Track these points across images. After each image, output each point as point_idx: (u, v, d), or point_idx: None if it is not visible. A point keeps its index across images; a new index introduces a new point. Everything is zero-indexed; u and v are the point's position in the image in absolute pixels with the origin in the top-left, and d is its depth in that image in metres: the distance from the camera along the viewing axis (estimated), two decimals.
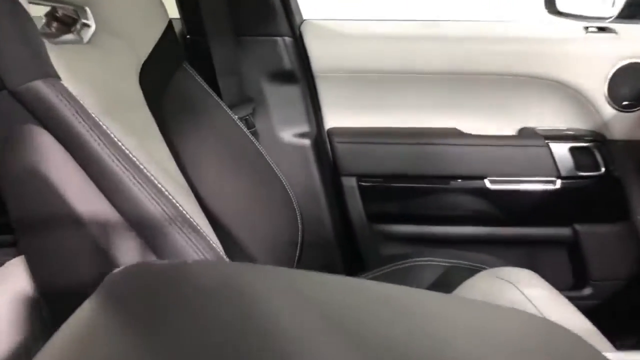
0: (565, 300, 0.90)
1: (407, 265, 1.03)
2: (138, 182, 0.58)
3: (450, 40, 1.16)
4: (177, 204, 0.60)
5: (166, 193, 0.60)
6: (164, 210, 0.58)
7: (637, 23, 1.20)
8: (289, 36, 1.14)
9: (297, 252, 0.97)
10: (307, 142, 1.18)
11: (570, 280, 1.23)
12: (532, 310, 0.84)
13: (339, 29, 1.19)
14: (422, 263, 1.02)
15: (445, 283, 0.97)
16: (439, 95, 1.19)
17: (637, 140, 1.15)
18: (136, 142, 0.64)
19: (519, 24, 1.20)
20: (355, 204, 1.19)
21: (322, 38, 1.17)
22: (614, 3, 1.20)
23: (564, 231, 1.20)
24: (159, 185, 0.60)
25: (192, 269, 0.42)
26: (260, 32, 1.14)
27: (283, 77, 1.16)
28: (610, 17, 1.19)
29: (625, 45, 1.13)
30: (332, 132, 1.19)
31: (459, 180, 1.19)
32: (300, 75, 1.16)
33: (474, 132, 1.19)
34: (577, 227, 1.19)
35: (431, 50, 1.15)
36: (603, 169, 1.15)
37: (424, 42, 1.16)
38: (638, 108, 1.13)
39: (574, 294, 1.19)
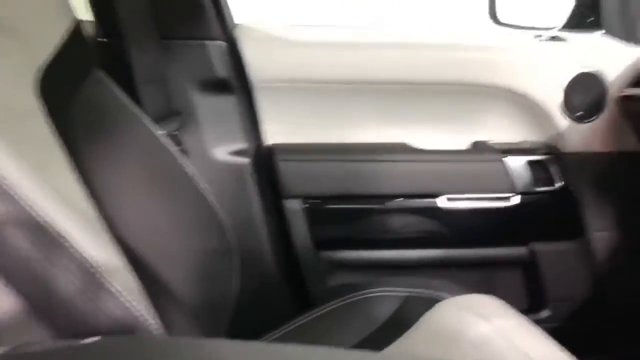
0: (537, 330, 0.82)
1: (359, 298, 0.92)
2: (13, 215, 0.43)
3: (399, 47, 1.07)
4: (76, 246, 0.45)
5: (57, 229, 0.45)
6: (54, 256, 0.43)
7: (583, 32, 1.17)
8: (222, 40, 1.01)
9: (233, 291, 0.84)
10: (244, 161, 1.05)
11: (528, 302, 1.16)
12: (506, 345, 0.75)
13: (278, 34, 1.07)
14: (376, 295, 0.92)
15: (404, 317, 0.87)
16: (389, 107, 1.10)
17: (592, 152, 1.10)
18: (23, 163, 0.49)
19: (471, 31, 1.14)
20: (300, 230, 1.07)
21: (260, 44, 1.04)
22: (557, 13, 1.17)
23: (520, 250, 1.13)
24: (48, 221, 0.45)
25: (90, 353, 0.28)
26: (188, 35, 1.00)
27: (216, 86, 1.02)
28: (554, 28, 1.15)
29: (578, 54, 1.08)
30: (274, 149, 1.06)
31: (412, 199, 1.09)
32: (236, 84, 1.03)
33: (425, 147, 1.11)
34: (534, 245, 1.12)
35: (379, 59, 1.06)
36: (559, 184, 1.10)
37: (371, 50, 1.06)
38: (592, 119, 1.08)
39: (532, 316, 1.12)
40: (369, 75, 1.06)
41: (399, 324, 0.85)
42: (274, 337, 0.87)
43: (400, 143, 1.11)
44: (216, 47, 1.00)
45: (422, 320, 0.83)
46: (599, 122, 1.08)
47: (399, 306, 0.90)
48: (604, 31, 1.13)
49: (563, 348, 0.77)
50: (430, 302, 0.86)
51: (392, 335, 0.82)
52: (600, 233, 1.13)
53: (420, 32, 1.12)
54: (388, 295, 0.92)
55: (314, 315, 0.89)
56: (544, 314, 1.14)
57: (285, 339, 0.86)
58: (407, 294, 0.91)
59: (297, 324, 0.88)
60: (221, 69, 1.01)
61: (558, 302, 1.14)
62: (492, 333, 0.78)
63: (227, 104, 1.03)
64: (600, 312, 1.15)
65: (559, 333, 0.86)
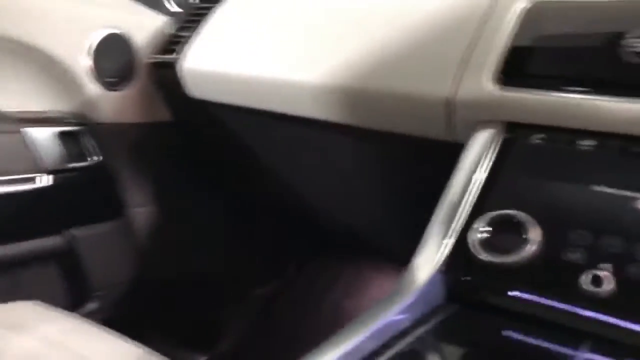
0: (89, 325, 0.69)
1: None
2: None
3: None
4: None
5: None
6: None
7: None
8: None
9: None
10: None
11: (74, 297, 1.00)
12: (58, 354, 0.59)
13: None
14: None
15: None
16: None
17: (126, 123, 1.02)
18: None
19: None
20: None
21: None
22: None
23: (55, 240, 0.95)
24: None
25: None
26: None
27: None
28: None
29: (103, 13, 0.97)
30: None
31: None
32: None
33: None
34: (72, 231, 0.97)
35: None
36: (93, 158, 0.98)
37: None
38: (123, 86, 1.00)
39: (81, 311, 0.97)
40: None
41: None
42: None
43: None
44: None
45: None
46: (131, 90, 1.01)
47: None
48: None
49: (122, 335, 0.68)
50: None
51: None
52: (140, 209, 1.08)
53: None
54: None
55: None
56: (92, 306, 1.01)
57: None
58: None
59: None
60: None
61: (105, 289, 1.03)
62: (38, 344, 0.60)
63: None
64: (147, 291, 1.10)
65: (113, 321, 0.76)
